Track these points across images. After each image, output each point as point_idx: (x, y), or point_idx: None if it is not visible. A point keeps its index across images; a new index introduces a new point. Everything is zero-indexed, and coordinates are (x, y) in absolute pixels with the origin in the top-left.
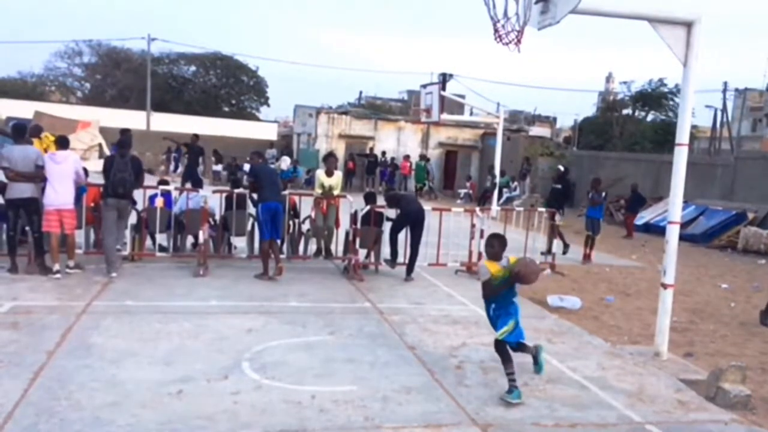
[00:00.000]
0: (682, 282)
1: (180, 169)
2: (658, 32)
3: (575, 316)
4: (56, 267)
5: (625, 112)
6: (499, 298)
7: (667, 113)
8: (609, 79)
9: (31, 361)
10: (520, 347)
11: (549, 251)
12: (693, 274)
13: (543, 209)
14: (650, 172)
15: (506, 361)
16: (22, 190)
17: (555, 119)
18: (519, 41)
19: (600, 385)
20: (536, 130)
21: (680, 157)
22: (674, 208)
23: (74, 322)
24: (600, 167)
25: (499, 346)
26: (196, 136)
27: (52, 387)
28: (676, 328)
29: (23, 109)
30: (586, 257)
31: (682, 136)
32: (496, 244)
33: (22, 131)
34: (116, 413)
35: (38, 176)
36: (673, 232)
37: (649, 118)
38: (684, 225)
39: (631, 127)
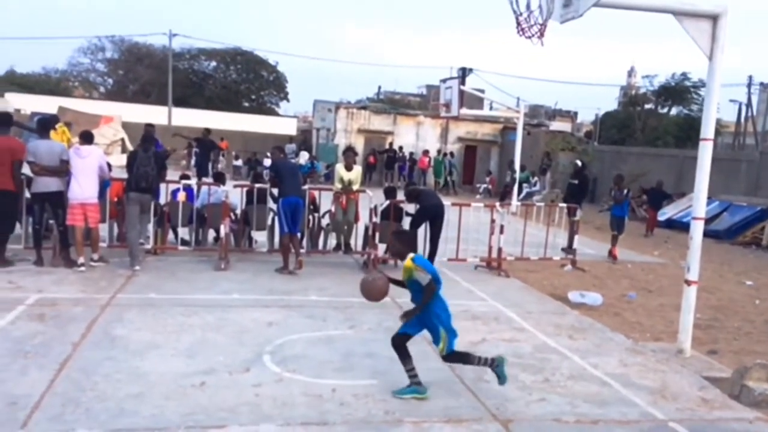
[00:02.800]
0: (705, 279)
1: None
2: (683, 25)
3: (596, 312)
4: (81, 260)
5: (647, 106)
6: (411, 288)
7: (691, 108)
8: (631, 73)
9: (57, 352)
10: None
11: (570, 248)
12: (717, 270)
13: (563, 205)
14: (673, 167)
15: (402, 357)
16: (48, 184)
17: (576, 114)
18: (542, 35)
19: (622, 382)
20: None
21: (705, 153)
22: (698, 204)
23: (99, 314)
24: (622, 162)
25: (446, 360)
26: (207, 131)
27: (77, 378)
28: (699, 325)
29: (47, 105)
30: (614, 256)
31: (707, 130)
32: (396, 243)
33: (47, 126)
34: (140, 404)
35: (63, 170)
36: (697, 228)
37: (672, 112)
38: (708, 221)
39: (653, 122)
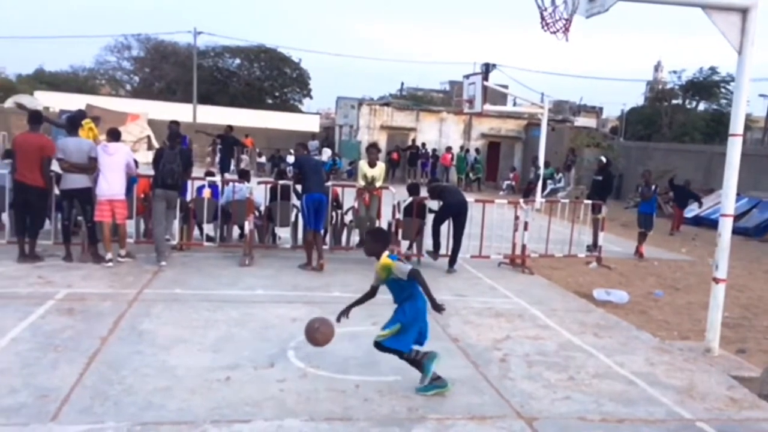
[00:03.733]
0: (734, 276)
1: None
2: (712, 19)
3: (622, 310)
4: (108, 256)
5: (674, 101)
6: (390, 289)
7: (719, 103)
8: (657, 68)
9: (85, 346)
10: (403, 357)
11: (595, 245)
12: (746, 268)
13: (588, 201)
14: (701, 163)
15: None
16: (76, 181)
17: (601, 109)
18: (567, 30)
19: (648, 381)
20: (582, 121)
21: (734, 148)
22: (727, 201)
23: (126, 309)
24: (648, 158)
25: (377, 347)
26: (230, 128)
27: (106, 372)
28: (727, 323)
29: (75, 102)
30: (640, 254)
31: (737, 126)
32: (371, 242)
33: (75, 124)
34: (167, 398)
35: (91, 167)
36: (726, 225)
37: (700, 108)
38: (736, 218)
39: (680, 117)
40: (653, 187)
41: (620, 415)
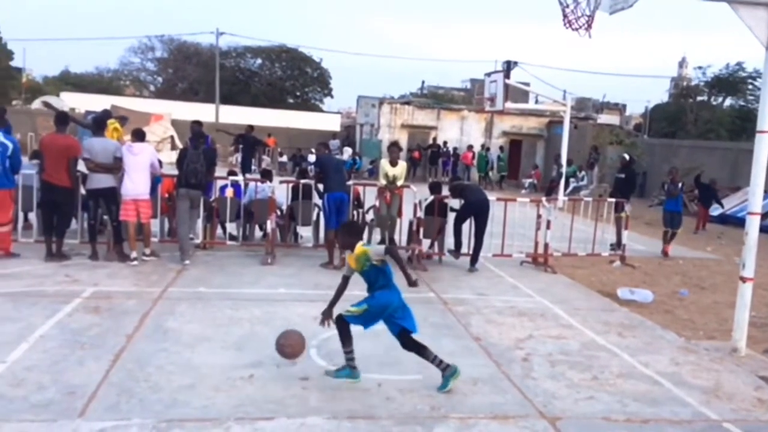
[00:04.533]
0: (761, 275)
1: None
2: (738, 14)
3: (647, 309)
4: (133, 254)
5: (699, 98)
6: (366, 279)
7: (746, 99)
8: (682, 64)
9: (111, 343)
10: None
11: (619, 244)
12: None
13: (612, 200)
14: (727, 160)
15: (343, 338)
16: (102, 181)
17: (624, 106)
18: (589, 26)
19: (674, 381)
20: (605, 118)
21: (762, 145)
22: (754, 198)
23: (151, 307)
24: (673, 156)
25: (338, 320)
26: (250, 127)
27: (131, 369)
28: (755, 323)
29: (100, 103)
30: (665, 253)
31: (764, 122)
32: (344, 236)
33: (101, 124)
34: (192, 395)
35: (117, 167)
36: (753, 224)
37: (726, 104)
38: (763, 216)
39: (706, 114)
40: (680, 185)
41: (645, 415)
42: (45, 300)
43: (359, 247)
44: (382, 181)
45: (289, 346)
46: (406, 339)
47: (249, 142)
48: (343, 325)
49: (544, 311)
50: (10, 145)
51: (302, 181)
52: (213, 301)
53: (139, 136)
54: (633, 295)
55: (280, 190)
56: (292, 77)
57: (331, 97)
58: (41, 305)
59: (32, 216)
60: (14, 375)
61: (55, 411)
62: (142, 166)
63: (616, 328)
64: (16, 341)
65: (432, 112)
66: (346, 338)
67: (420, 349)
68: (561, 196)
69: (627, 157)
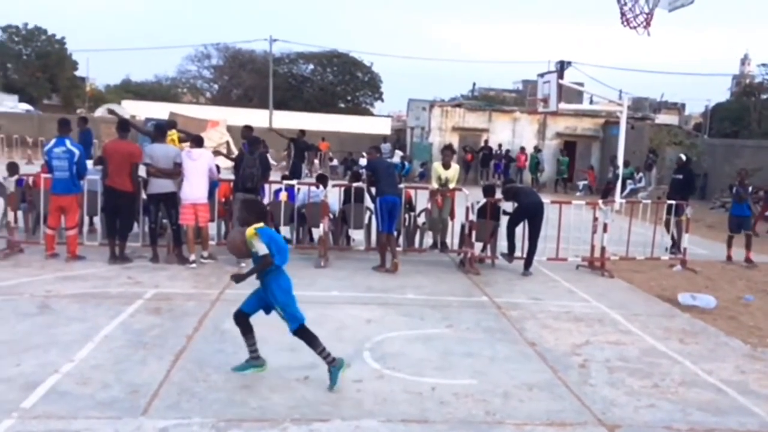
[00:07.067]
0: None
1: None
2: None
3: (710, 315)
4: (192, 257)
5: (763, 96)
6: (254, 261)
7: None
8: (744, 60)
9: (172, 344)
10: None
11: (678, 247)
12: None
13: (671, 201)
14: None
15: (243, 333)
16: (163, 186)
17: (683, 106)
18: (648, 24)
19: (739, 390)
20: (663, 118)
21: None
22: None
23: (209, 308)
24: (735, 157)
25: (238, 315)
26: (302, 132)
27: (191, 369)
28: None
29: (159, 111)
30: (748, 260)
31: None
32: (243, 210)
33: (163, 131)
34: (249, 396)
35: (176, 173)
36: None
37: None
38: None
39: None
40: (749, 188)
41: (709, 424)
42: (109, 301)
43: (251, 229)
44: (435, 184)
45: (235, 246)
46: (240, 316)
47: (300, 147)
48: (242, 317)
49: (601, 316)
50: (77, 152)
51: (354, 184)
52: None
53: (197, 142)
54: (695, 300)
55: (332, 194)
56: (343, 82)
57: (382, 100)
58: (105, 306)
59: (97, 220)
60: (81, 373)
61: (120, 409)
62: (200, 172)
63: (678, 334)
64: (83, 341)
65: (483, 114)
66: (247, 331)
67: (245, 332)
68: (618, 199)
69: (684, 157)
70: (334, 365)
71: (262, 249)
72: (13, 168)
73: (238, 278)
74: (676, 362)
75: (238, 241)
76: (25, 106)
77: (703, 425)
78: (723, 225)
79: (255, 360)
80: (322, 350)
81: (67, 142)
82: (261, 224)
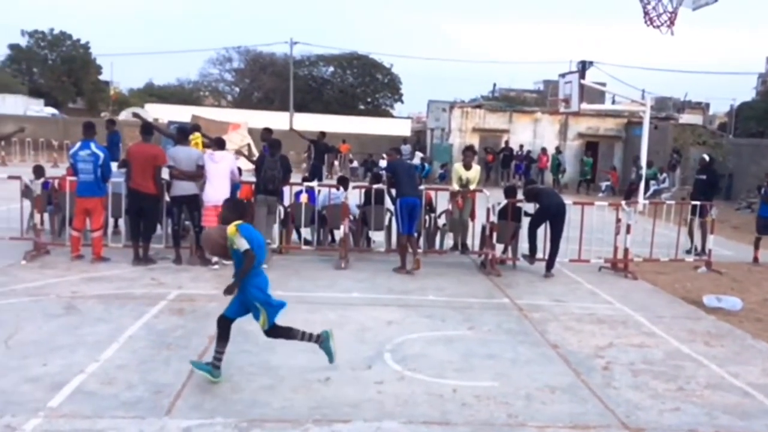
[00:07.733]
0: None
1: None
2: None
3: (736, 318)
4: (214, 259)
5: None
6: (234, 258)
7: None
8: None
9: (195, 344)
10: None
11: (703, 249)
12: None
13: (696, 203)
14: None
15: (219, 337)
16: (185, 188)
17: (707, 105)
18: (672, 23)
19: (766, 393)
20: (686, 118)
21: None
22: None
23: None
24: (762, 157)
25: (221, 320)
26: (322, 134)
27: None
28: None
29: (182, 114)
30: (755, 259)
31: None
32: (224, 210)
33: (186, 134)
34: (271, 396)
35: (199, 175)
36: None
37: None
38: None
39: None
40: None
41: (736, 428)
42: (133, 302)
43: (232, 226)
44: (455, 185)
45: (213, 243)
46: (223, 320)
47: (320, 149)
48: (224, 322)
49: (625, 318)
50: (101, 155)
51: (375, 186)
52: (289, 304)
53: (219, 144)
54: (720, 302)
55: (352, 196)
56: (363, 84)
57: (402, 102)
58: (129, 307)
59: (121, 222)
60: (106, 373)
61: (144, 408)
62: (222, 174)
63: (703, 336)
64: (108, 341)
65: (504, 115)
66: (223, 338)
67: (220, 337)
68: (641, 200)
69: (707, 157)
70: (322, 340)
71: (243, 245)
72: (39, 171)
73: (229, 289)
74: (702, 365)
75: (215, 235)
76: (50, 110)
77: (729, 429)
78: (748, 226)
79: (214, 368)
80: (303, 334)
81: (92, 145)
82: (241, 222)
